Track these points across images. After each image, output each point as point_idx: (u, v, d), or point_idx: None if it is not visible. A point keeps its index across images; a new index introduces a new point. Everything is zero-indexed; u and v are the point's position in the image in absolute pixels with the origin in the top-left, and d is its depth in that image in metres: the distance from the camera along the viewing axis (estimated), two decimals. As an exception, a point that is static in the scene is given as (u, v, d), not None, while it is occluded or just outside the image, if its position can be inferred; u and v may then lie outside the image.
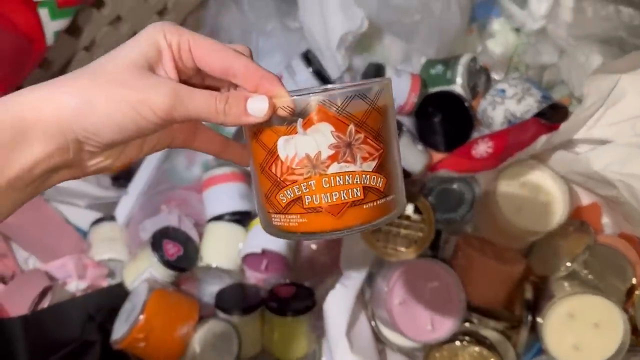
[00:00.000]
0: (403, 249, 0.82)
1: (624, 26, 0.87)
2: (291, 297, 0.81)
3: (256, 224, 0.85)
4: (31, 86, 0.33)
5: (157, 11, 0.91)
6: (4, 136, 0.31)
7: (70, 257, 0.81)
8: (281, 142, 0.36)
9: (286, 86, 0.36)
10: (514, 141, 0.76)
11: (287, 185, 0.36)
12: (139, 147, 0.38)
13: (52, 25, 0.77)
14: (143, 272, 0.79)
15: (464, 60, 0.92)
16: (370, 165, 0.36)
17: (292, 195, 0.37)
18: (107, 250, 0.87)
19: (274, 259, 0.84)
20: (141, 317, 0.71)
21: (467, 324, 0.78)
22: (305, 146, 0.35)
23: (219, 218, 0.86)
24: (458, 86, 0.92)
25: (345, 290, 0.77)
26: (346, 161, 0.36)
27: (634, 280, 0.77)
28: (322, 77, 0.92)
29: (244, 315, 0.80)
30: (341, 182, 0.36)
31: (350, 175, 0.36)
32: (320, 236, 0.38)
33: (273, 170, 0.37)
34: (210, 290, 0.86)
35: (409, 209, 0.82)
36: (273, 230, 0.39)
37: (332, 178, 0.36)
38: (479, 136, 0.83)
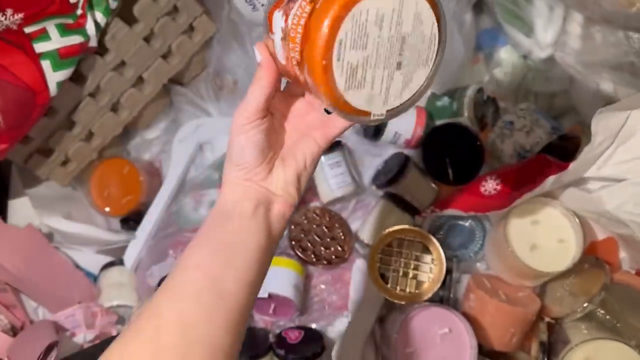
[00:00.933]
0: (413, 291, 0.80)
1: (635, 52, 0.84)
2: (299, 342, 0.79)
3: (264, 267, 0.83)
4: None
5: (161, 54, 0.91)
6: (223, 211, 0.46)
7: (79, 306, 0.81)
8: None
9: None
10: (522, 178, 0.74)
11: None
12: (292, 159, 0.48)
13: (55, 76, 0.78)
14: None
15: (470, 92, 0.91)
16: None
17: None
18: (116, 297, 0.86)
19: (282, 302, 0.82)
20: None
21: (481, 366, 0.76)
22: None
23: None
24: (465, 118, 0.91)
25: (354, 335, 0.75)
26: None
27: (654, 320, 0.74)
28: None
29: (251, 361, 0.79)
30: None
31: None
32: None
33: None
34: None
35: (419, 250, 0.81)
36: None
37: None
38: (487, 172, 0.81)
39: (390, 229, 0.81)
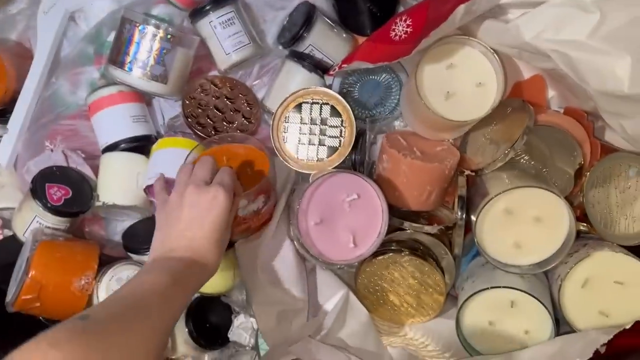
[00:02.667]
0: (325, 158, 0.72)
1: None
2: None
3: (156, 150, 0.74)
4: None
5: None
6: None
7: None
8: None
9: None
10: (435, 15, 0.63)
11: None
12: None
13: None
14: (30, 221, 0.70)
15: None
16: None
17: None
18: (-3, 199, 0.77)
19: (183, 186, 0.74)
20: (27, 276, 0.63)
21: (397, 232, 0.70)
22: None
23: (113, 147, 0.75)
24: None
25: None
26: None
27: (582, 160, 0.68)
28: None
29: (155, 253, 0.72)
30: None
31: None
32: None
33: None
34: (120, 227, 0.78)
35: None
36: None
37: None
38: (397, 14, 0.69)
39: (293, 93, 0.71)
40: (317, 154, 0.72)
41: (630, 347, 0.58)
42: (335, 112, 0.72)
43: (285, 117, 0.72)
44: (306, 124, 0.72)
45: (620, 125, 0.56)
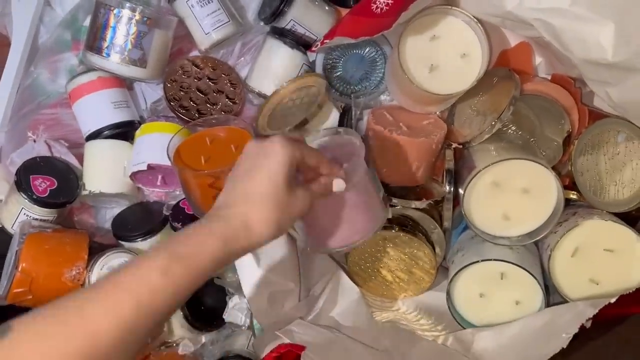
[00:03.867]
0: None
1: None
2: (196, 210, 0.72)
3: (140, 136, 0.73)
4: (232, 213, 0.45)
5: None
6: (229, 259, 0.45)
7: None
8: None
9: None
10: (416, -14, 0.61)
11: None
12: None
13: None
14: (17, 214, 0.69)
15: None
16: None
17: None
18: (-17, 192, 0.76)
19: (170, 171, 0.73)
20: (17, 270, 0.63)
21: (387, 209, 0.70)
22: None
23: (96, 135, 0.74)
24: None
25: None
26: None
27: (570, 128, 0.67)
28: None
29: (146, 239, 0.72)
30: None
31: None
32: None
33: None
34: (110, 215, 0.77)
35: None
36: None
37: None
38: (378, -15, 0.67)
39: (280, 88, 0.70)
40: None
41: (619, 315, 0.58)
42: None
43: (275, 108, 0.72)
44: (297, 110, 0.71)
45: (606, 92, 0.55)
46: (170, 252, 0.41)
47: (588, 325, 0.50)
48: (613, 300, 0.50)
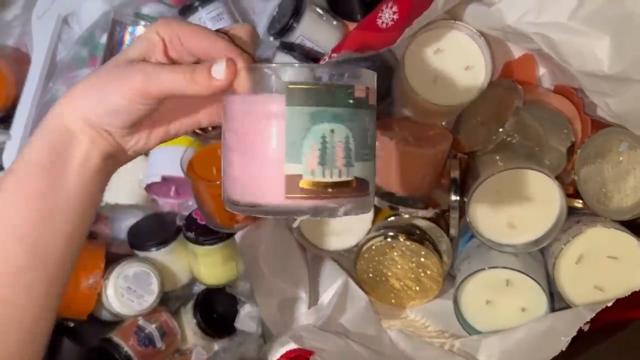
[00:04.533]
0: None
1: None
2: (208, 221, 0.74)
3: (155, 149, 0.75)
4: (60, 98, 0.41)
5: None
6: (59, 138, 0.39)
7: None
8: None
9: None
10: (420, 1, 0.63)
11: None
12: (164, 128, 0.43)
13: None
14: None
15: None
16: None
17: None
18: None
19: (183, 182, 0.75)
20: (37, 278, 0.65)
21: (395, 218, 0.72)
22: None
23: (113, 148, 0.76)
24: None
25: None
26: None
27: (573, 138, 0.68)
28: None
29: (160, 249, 0.74)
30: None
31: None
32: None
33: None
34: (125, 225, 0.80)
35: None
36: None
37: None
38: (383, 1, 0.70)
39: None
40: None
41: (621, 320, 0.59)
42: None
43: None
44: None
45: (605, 103, 0.56)
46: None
47: (586, 328, 0.51)
48: (610, 303, 0.51)
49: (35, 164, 0.38)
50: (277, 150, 0.35)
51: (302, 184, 0.35)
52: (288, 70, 0.35)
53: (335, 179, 0.36)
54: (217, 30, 0.40)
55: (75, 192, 0.39)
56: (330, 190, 0.35)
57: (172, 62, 0.40)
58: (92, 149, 0.39)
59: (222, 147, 0.39)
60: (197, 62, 0.40)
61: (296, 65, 0.39)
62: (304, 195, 0.35)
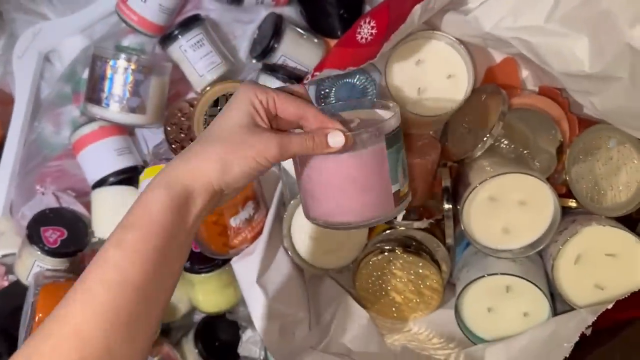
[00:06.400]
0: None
1: None
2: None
3: (144, 180, 0.75)
4: (180, 157, 0.43)
5: None
6: (182, 201, 0.42)
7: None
8: None
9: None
10: (396, 15, 0.63)
11: None
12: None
13: None
14: (31, 266, 0.71)
15: None
16: None
17: None
18: (-2, 247, 0.78)
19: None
20: (34, 321, 0.65)
21: (390, 231, 0.71)
22: None
23: (102, 183, 0.76)
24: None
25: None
26: None
27: (561, 138, 0.68)
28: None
29: (156, 280, 0.73)
30: None
31: None
32: None
33: None
34: (120, 258, 0.79)
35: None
36: None
37: None
38: (361, 16, 0.70)
39: (208, 89, 0.73)
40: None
41: (625, 320, 0.59)
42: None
43: (205, 112, 0.73)
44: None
45: (590, 102, 0.56)
46: (119, 225, 0.41)
47: (588, 332, 0.51)
48: (610, 305, 0.50)
49: (159, 224, 0.40)
50: (386, 178, 0.49)
51: (400, 194, 0.51)
52: (385, 127, 0.48)
53: (406, 189, 0.52)
54: (281, 89, 0.47)
55: (184, 247, 0.43)
56: (403, 196, 0.52)
57: (270, 124, 0.46)
58: (205, 209, 0.43)
59: (318, 190, 0.49)
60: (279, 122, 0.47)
61: (388, 118, 0.49)
62: (400, 203, 0.51)
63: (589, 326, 0.51)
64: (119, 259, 0.39)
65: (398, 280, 0.71)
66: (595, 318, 0.50)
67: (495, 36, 0.57)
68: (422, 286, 0.71)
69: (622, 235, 0.62)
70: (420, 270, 0.70)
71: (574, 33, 0.51)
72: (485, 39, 0.60)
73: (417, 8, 0.57)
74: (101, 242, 0.74)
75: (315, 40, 0.79)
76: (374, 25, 0.67)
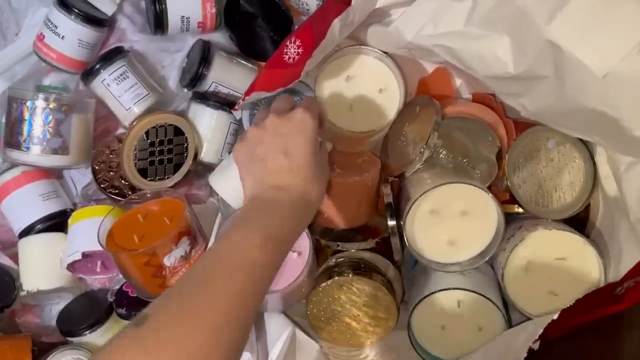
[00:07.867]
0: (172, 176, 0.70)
1: None
2: (140, 291, 0.69)
3: (73, 224, 0.70)
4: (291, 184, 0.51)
5: None
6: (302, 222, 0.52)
7: None
8: None
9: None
10: (319, 32, 0.61)
11: None
12: None
13: None
14: (-47, 329, 0.66)
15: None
16: None
17: None
18: None
19: (108, 256, 0.70)
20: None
21: (336, 255, 0.68)
22: None
23: (28, 231, 0.71)
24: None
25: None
26: None
27: (499, 143, 0.67)
28: (93, 19, 0.73)
29: (94, 331, 0.68)
30: None
31: None
32: None
33: None
34: (56, 311, 0.74)
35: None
36: None
37: None
38: (287, 36, 0.68)
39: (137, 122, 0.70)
40: (165, 173, 0.72)
41: (580, 325, 0.57)
42: (179, 131, 0.72)
43: (135, 146, 0.70)
44: (154, 146, 0.71)
45: (520, 104, 0.55)
46: (262, 233, 0.46)
47: (535, 347, 0.48)
48: (556, 316, 0.48)
49: (284, 242, 0.48)
50: None
51: None
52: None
53: None
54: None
55: None
56: None
57: None
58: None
59: None
60: None
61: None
62: None
63: (535, 340, 0.48)
64: (259, 263, 0.46)
65: (351, 304, 0.68)
66: (542, 330, 0.48)
67: (418, 45, 0.56)
68: (376, 308, 0.68)
69: (570, 238, 0.60)
70: (373, 292, 0.67)
71: (494, 34, 0.50)
72: (410, 49, 0.59)
73: (336, 22, 0.55)
74: (30, 294, 0.69)
75: (249, 65, 0.77)
76: (300, 44, 0.65)
